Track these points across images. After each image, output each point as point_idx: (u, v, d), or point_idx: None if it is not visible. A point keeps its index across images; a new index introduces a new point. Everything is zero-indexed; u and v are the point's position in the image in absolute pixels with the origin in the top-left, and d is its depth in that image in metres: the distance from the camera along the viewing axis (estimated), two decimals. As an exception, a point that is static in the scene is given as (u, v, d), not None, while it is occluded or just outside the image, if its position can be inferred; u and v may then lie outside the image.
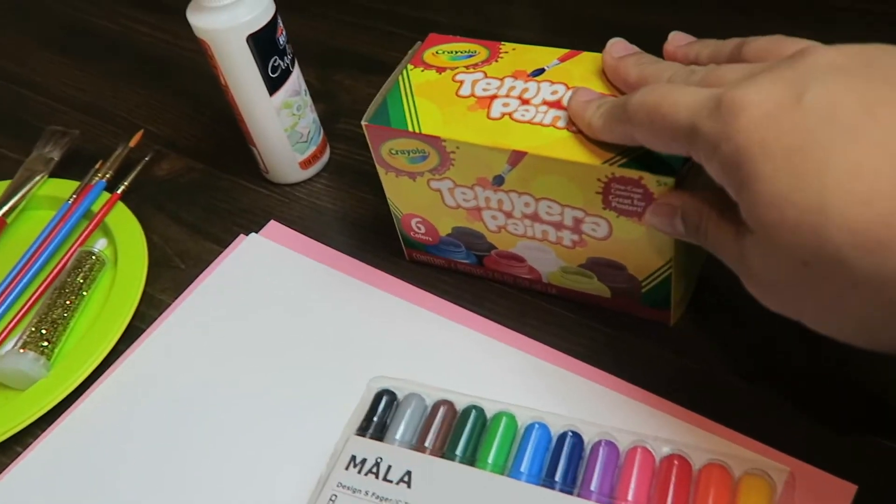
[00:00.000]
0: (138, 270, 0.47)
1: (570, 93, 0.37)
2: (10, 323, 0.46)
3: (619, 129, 0.32)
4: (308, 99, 0.50)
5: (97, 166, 0.54)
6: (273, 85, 0.47)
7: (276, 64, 0.45)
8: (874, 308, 0.25)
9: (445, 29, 0.62)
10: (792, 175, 0.25)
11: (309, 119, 0.50)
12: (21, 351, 0.42)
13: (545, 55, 0.40)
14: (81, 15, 0.72)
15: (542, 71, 0.40)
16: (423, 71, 0.41)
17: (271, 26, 0.45)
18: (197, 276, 0.47)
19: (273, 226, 0.50)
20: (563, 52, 0.40)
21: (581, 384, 0.39)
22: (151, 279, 0.48)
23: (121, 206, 0.51)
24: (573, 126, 0.36)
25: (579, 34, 0.58)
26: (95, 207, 0.51)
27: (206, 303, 0.46)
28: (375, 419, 0.36)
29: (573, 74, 0.39)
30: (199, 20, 0.44)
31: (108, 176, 0.53)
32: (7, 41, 0.70)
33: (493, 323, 0.43)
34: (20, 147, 0.59)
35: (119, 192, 0.51)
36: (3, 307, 0.47)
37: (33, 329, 0.44)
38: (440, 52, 0.43)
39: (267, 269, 0.47)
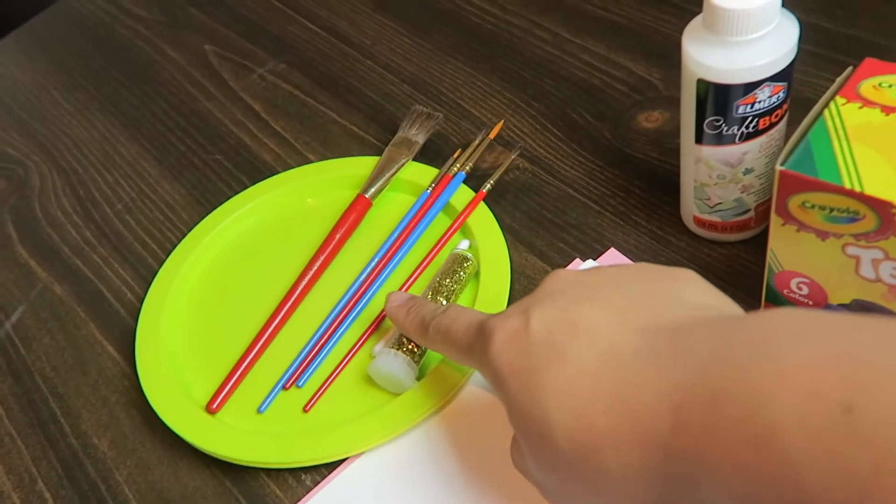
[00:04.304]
0: (502, 286, 0.42)
1: None
2: (380, 314, 0.43)
3: (426, 344, 0.37)
4: (742, 177, 0.40)
5: (455, 155, 0.51)
6: (700, 137, 0.39)
7: (716, 124, 0.38)
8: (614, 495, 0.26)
9: (816, 31, 0.52)
10: (526, 393, 0.27)
11: (729, 193, 0.41)
12: (395, 352, 0.39)
13: None
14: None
15: None
16: (860, 108, 0.33)
17: (734, 91, 0.36)
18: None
19: (612, 255, 0.44)
20: None
21: None
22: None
23: (483, 206, 0.47)
24: None
25: None
26: (454, 200, 0.48)
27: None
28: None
29: None
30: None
31: (467, 168, 0.49)
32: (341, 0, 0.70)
33: None
34: (348, 114, 0.58)
35: (485, 190, 0.47)
36: (369, 295, 0.45)
37: None
38: (885, 84, 0.34)
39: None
